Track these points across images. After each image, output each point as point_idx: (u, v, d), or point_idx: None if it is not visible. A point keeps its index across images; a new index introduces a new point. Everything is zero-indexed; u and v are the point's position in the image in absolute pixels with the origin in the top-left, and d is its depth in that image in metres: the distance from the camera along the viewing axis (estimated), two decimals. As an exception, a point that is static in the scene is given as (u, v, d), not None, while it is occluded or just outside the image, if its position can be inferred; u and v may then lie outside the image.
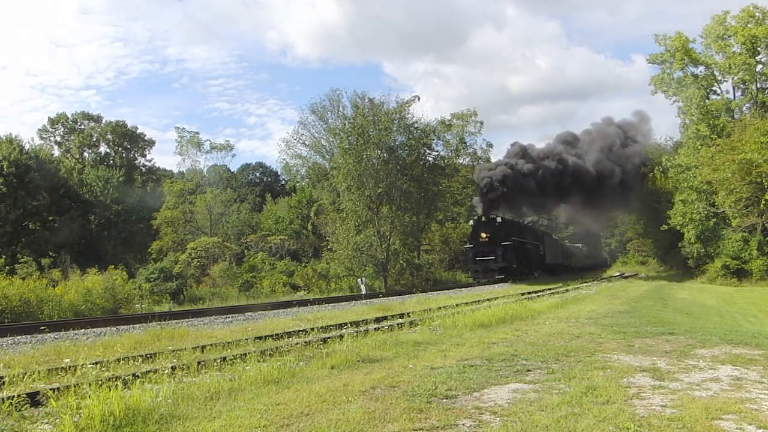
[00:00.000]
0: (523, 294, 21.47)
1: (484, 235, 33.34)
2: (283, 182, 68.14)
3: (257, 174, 76.22)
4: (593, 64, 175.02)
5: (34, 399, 5.40)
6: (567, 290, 24.26)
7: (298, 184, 55.90)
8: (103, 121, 60.45)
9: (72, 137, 58.42)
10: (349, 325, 11.26)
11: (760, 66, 36.87)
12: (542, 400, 4.99)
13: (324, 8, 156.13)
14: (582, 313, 12.98)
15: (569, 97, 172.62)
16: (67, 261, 36.22)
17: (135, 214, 49.10)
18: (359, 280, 32.48)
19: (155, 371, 6.68)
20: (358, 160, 35.83)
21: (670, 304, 18.90)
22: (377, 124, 36.91)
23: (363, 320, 12.70)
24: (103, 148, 60.42)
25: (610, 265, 74.83)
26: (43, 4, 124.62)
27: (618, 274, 54.31)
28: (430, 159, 42.30)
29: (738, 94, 39.15)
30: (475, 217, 35.18)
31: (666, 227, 36.96)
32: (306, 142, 48.86)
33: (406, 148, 38.79)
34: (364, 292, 29.00)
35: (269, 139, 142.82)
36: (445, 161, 45.07)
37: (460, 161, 50.89)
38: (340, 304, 19.65)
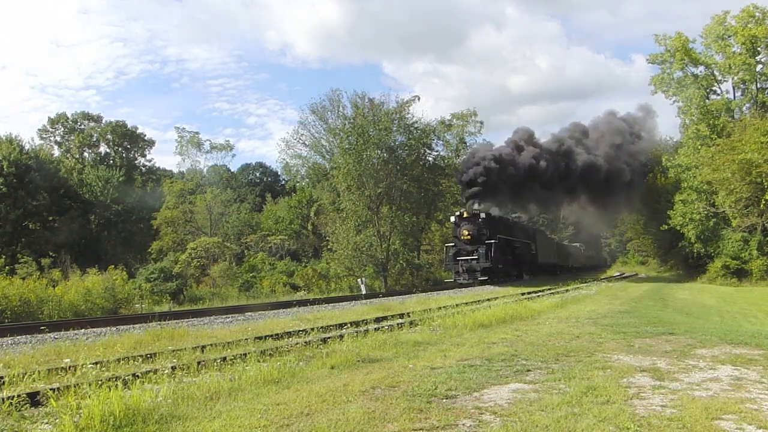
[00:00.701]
0: (523, 294, 21.48)
1: (465, 232, 29.83)
2: (283, 182, 68.18)
3: (257, 174, 76.28)
4: (593, 64, 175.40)
5: (34, 399, 5.38)
6: (567, 290, 24.25)
7: (298, 184, 55.89)
8: (103, 121, 60.64)
9: (72, 137, 58.49)
10: (349, 325, 11.22)
11: (760, 66, 36.91)
12: (542, 400, 4.99)
13: (324, 8, 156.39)
14: (582, 313, 12.99)
15: (569, 97, 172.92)
16: (67, 261, 36.28)
17: (135, 214, 49.16)
18: (359, 280, 32.32)
19: (155, 371, 6.67)
20: (358, 160, 35.82)
21: (670, 304, 18.92)
22: (377, 124, 36.90)
23: (363, 320, 12.65)
24: (103, 148, 60.61)
25: (609, 265, 74.68)
26: (43, 4, 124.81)
27: (618, 274, 54.36)
28: (430, 159, 42.39)
29: (738, 94, 39.22)
30: (457, 213, 31.43)
31: (666, 227, 36.89)
32: (306, 142, 48.83)
33: (406, 148, 38.81)
34: (364, 292, 28.93)
35: (269, 139, 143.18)
36: (445, 161, 45.04)
37: (460, 161, 50.78)
38: (340, 304, 19.60)
